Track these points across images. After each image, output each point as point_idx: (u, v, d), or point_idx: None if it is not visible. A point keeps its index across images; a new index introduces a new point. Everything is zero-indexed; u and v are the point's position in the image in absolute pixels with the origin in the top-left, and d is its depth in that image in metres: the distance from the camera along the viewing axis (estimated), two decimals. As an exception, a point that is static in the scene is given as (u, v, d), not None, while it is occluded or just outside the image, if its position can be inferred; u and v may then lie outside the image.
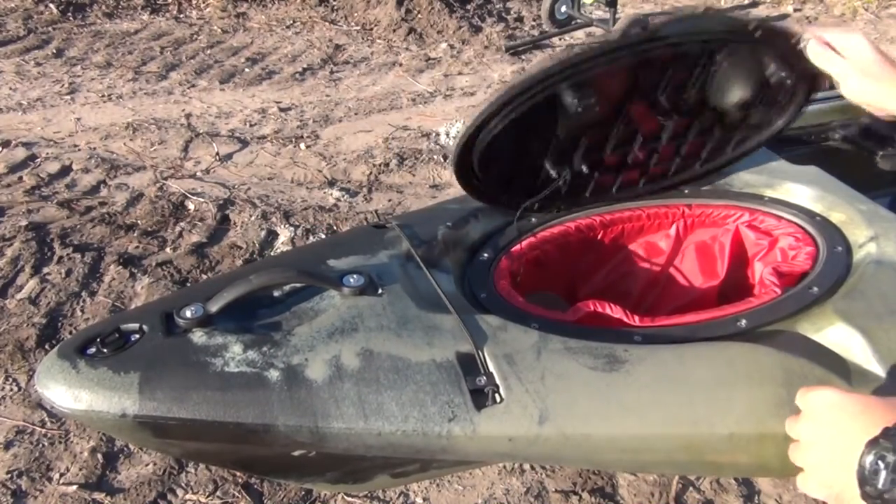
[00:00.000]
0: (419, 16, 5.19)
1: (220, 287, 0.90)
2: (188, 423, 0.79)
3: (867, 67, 1.02)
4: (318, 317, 0.91)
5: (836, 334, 0.96)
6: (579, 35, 5.06)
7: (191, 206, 2.97)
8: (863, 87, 1.02)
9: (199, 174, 3.26)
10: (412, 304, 0.93)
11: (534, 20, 5.43)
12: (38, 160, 3.32)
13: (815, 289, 1.02)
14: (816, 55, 1.06)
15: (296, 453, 0.89)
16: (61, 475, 1.83)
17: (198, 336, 0.85)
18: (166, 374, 0.80)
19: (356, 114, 3.89)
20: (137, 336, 0.86)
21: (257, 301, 0.93)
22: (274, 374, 0.82)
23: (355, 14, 5.35)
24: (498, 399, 0.84)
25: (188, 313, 0.87)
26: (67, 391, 0.78)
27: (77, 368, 0.80)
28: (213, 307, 0.88)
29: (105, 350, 0.83)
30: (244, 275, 0.91)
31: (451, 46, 4.86)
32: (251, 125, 3.74)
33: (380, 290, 0.96)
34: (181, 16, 5.34)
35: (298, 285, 0.96)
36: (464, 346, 0.88)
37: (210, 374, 0.81)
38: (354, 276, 0.96)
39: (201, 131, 3.63)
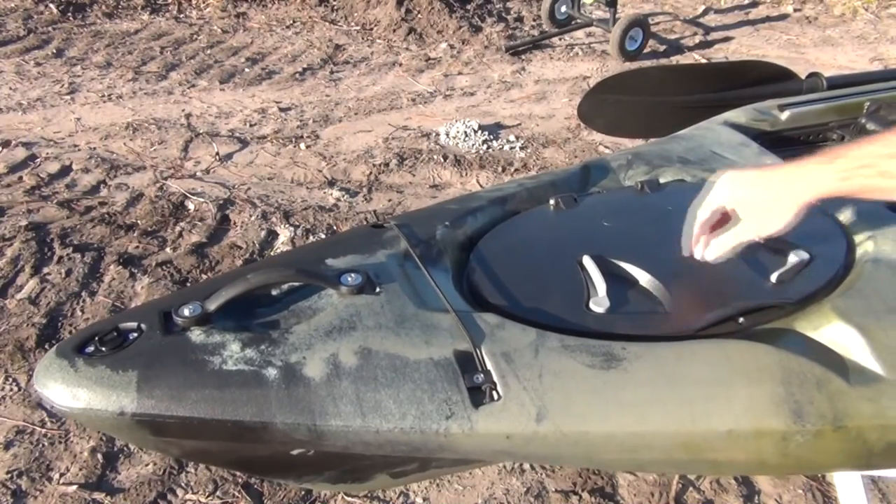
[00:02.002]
0: (419, 16, 5.19)
1: (218, 286, 0.90)
2: (186, 421, 0.79)
3: (757, 205, 0.94)
4: (316, 315, 0.91)
5: (835, 332, 0.96)
6: (579, 35, 5.06)
7: (191, 206, 2.97)
8: (777, 218, 0.93)
9: (199, 174, 3.27)
10: (410, 303, 0.93)
11: (534, 20, 5.43)
12: (38, 160, 3.32)
13: (814, 287, 1.02)
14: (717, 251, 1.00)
15: (294, 452, 0.89)
16: (61, 475, 1.83)
17: (196, 334, 0.86)
18: (164, 373, 0.80)
19: (356, 114, 3.89)
20: (136, 335, 0.86)
21: (255, 300, 0.93)
22: (272, 373, 0.82)
23: (355, 14, 5.36)
24: (496, 397, 0.84)
25: (186, 312, 0.87)
26: (66, 390, 0.79)
27: (75, 367, 0.80)
28: (212, 306, 0.88)
29: (103, 349, 0.83)
30: (242, 274, 0.91)
31: (451, 46, 4.86)
32: (251, 125, 3.74)
33: (378, 289, 0.96)
34: (181, 16, 5.34)
35: (297, 284, 0.96)
36: (461, 344, 0.88)
37: (208, 372, 0.81)
38: (352, 274, 0.96)
39: (201, 131, 3.64)
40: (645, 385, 0.87)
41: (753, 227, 0.95)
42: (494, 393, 0.84)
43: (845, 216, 1.21)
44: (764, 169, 0.95)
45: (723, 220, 1.00)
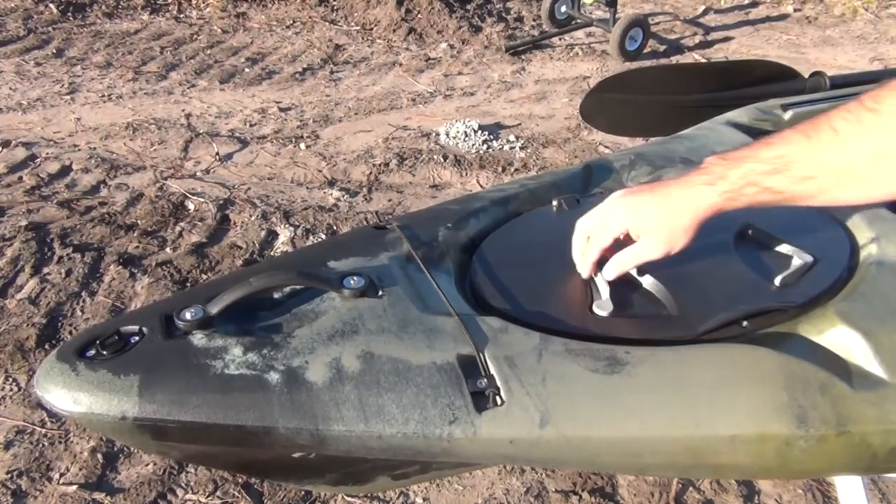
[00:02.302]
0: (419, 16, 5.19)
1: (220, 289, 0.90)
2: (188, 425, 0.79)
3: (653, 226, 0.95)
4: (318, 319, 0.90)
5: (838, 336, 0.96)
6: (579, 35, 5.06)
7: (191, 206, 2.97)
8: (673, 237, 0.94)
9: (199, 174, 3.26)
10: (413, 306, 0.93)
11: (534, 20, 5.43)
12: (38, 160, 3.32)
13: (817, 290, 1.02)
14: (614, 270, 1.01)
15: (296, 455, 0.89)
16: (61, 475, 1.83)
17: (198, 338, 0.85)
18: (166, 377, 0.80)
19: (356, 114, 3.89)
20: (137, 338, 0.85)
21: (257, 303, 0.93)
22: (274, 377, 0.82)
23: (355, 14, 5.35)
24: (499, 401, 0.84)
25: (188, 315, 0.87)
26: (67, 394, 0.78)
27: (76, 371, 0.79)
28: (213, 309, 0.87)
29: (105, 352, 0.82)
30: (244, 276, 0.91)
31: (451, 46, 4.86)
32: (251, 125, 3.74)
33: (380, 292, 0.95)
34: (181, 16, 5.34)
35: (299, 287, 0.96)
36: (465, 348, 0.88)
37: (210, 376, 0.81)
38: (355, 277, 0.96)
39: (201, 131, 3.63)
40: (648, 389, 0.86)
41: (651, 247, 0.97)
42: (498, 398, 0.84)
43: (848, 218, 1.21)
44: (654, 189, 0.97)
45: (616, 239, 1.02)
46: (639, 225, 0.97)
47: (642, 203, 0.97)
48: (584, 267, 1.04)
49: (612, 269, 1.01)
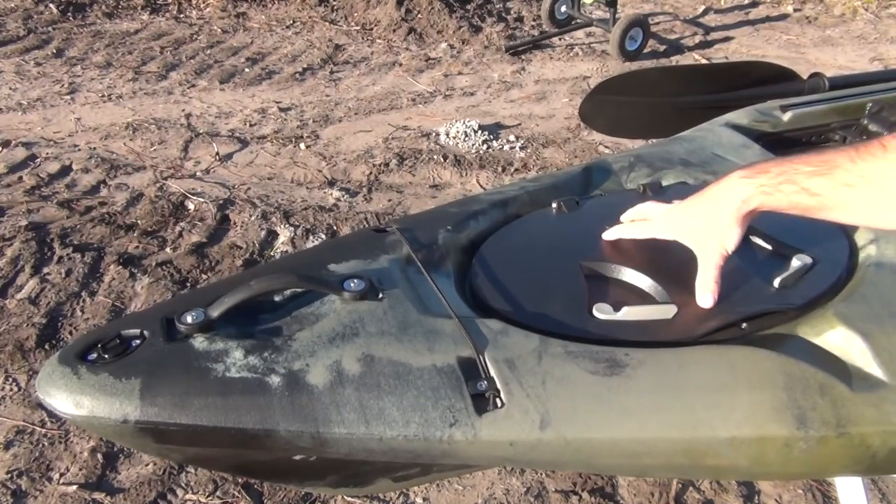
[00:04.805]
0: (419, 16, 5.19)
1: (220, 292, 0.90)
2: (189, 428, 0.79)
3: (699, 232, 0.98)
4: (318, 322, 0.91)
5: (838, 338, 0.96)
6: (579, 35, 5.06)
7: (191, 206, 2.97)
8: (723, 236, 0.96)
9: (199, 174, 3.27)
10: (413, 309, 0.93)
11: (534, 20, 5.43)
12: (38, 160, 3.32)
13: (817, 292, 1.02)
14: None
15: (296, 458, 0.89)
16: (61, 475, 1.84)
17: (199, 341, 0.85)
18: (167, 380, 0.80)
19: (356, 114, 3.89)
20: (138, 342, 0.85)
21: (258, 306, 0.93)
22: (275, 380, 0.82)
23: (355, 14, 5.35)
24: (499, 404, 0.84)
25: (189, 318, 0.87)
26: (69, 397, 0.78)
27: (78, 374, 0.80)
28: (214, 312, 0.87)
29: (106, 356, 0.82)
30: (245, 279, 0.91)
31: (451, 46, 4.86)
32: (251, 125, 3.74)
33: (380, 295, 0.95)
34: (181, 16, 5.34)
35: (299, 290, 0.96)
36: (465, 350, 0.88)
37: (211, 379, 0.81)
38: (355, 280, 0.96)
39: (201, 131, 3.64)
40: (648, 391, 0.87)
41: (708, 255, 0.97)
42: (498, 400, 0.84)
43: None
44: (693, 196, 0.99)
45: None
46: (687, 236, 0.99)
47: (681, 214, 0.98)
48: (612, 232, 1.10)
49: (706, 294, 0.99)
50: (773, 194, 0.89)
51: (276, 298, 0.96)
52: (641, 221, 1.10)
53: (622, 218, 1.14)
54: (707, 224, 0.96)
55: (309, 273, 0.97)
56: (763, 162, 0.93)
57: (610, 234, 1.12)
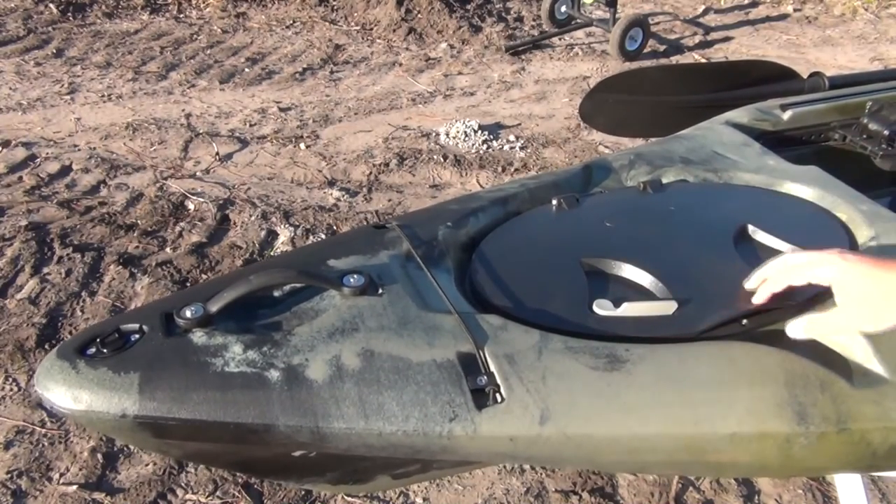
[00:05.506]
0: (419, 16, 5.19)
1: (220, 287, 0.90)
2: (188, 423, 0.79)
3: (864, 299, 0.88)
4: (318, 317, 0.91)
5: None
6: (579, 35, 5.06)
7: (191, 206, 2.97)
8: (885, 317, 0.87)
9: (199, 174, 3.26)
10: (412, 304, 0.93)
11: (534, 20, 5.43)
12: (38, 160, 3.32)
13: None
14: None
15: (296, 454, 0.89)
16: (61, 475, 1.83)
17: (198, 336, 0.85)
18: (166, 375, 0.80)
19: (356, 114, 3.89)
20: (137, 336, 0.85)
21: (257, 301, 0.93)
22: (274, 375, 0.82)
23: (355, 14, 5.35)
24: (499, 399, 0.84)
25: (188, 313, 0.87)
26: (67, 392, 0.78)
27: (77, 369, 0.79)
28: (213, 307, 0.87)
29: (105, 350, 0.82)
30: (244, 275, 0.91)
31: (451, 46, 4.86)
32: (251, 125, 3.74)
33: (380, 290, 0.95)
34: (181, 16, 5.34)
35: (299, 285, 0.96)
36: (464, 345, 0.88)
37: (210, 374, 0.81)
38: (355, 276, 0.96)
39: (201, 131, 3.63)
40: (648, 387, 0.86)
41: (855, 320, 0.91)
42: (498, 395, 0.84)
43: (848, 216, 1.21)
44: (879, 263, 0.89)
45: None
46: (846, 288, 0.90)
47: (861, 272, 0.89)
48: (762, 294, 0.98)
49: (801, 330, 0.95)
50: None
51: (276, 294, 0.96)
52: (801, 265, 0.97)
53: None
54: (877, 300, 0.88)
55: (308, 269, 0.97)
56: None
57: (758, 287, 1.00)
